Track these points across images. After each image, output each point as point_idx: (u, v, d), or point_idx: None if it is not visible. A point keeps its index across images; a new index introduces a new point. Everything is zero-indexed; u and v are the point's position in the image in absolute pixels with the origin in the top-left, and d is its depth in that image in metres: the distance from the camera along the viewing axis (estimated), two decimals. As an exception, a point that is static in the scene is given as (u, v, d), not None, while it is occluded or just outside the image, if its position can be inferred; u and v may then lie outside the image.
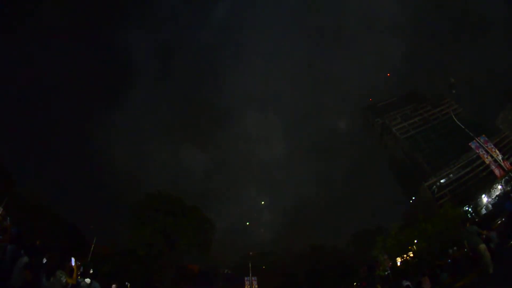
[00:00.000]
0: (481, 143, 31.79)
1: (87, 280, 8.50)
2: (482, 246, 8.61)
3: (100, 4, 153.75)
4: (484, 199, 41.24)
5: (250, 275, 40.97)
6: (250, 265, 42.88)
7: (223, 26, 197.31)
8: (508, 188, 34.37)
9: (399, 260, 36.48)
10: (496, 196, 38.12)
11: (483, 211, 38.69)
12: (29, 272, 4.45)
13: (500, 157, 32.55)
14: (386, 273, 35.80)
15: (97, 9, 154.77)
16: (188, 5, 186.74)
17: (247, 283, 40.32)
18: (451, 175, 63.34)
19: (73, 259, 6.90)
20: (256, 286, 40.93)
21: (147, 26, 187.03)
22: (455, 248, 18.96)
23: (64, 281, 5.43)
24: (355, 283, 41.75)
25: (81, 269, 9.19)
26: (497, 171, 34.23)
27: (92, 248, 30.28)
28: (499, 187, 38.21)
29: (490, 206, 37.89)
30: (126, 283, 25.63)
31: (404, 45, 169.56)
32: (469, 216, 36.52)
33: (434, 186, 62.10)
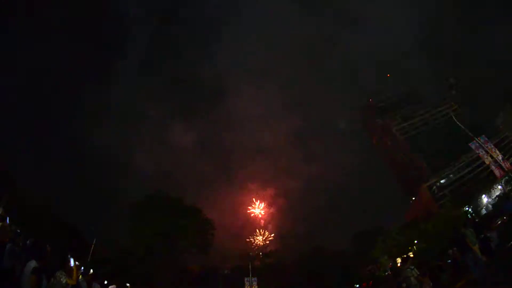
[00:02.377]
0: (481, 144, 31.83)
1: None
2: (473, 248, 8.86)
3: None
4: (484, 199, 41.19)
5: (250, 275, 40.89)
6: (250, 265, 42.81)
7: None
8: (508, 189, 34.35)
9: (399, 260, 36.46)
10: (496, 196, 38.09)
11: (483, 211, 38.65)
12: (35, 277, 4.48)
13: (500, 157, 32.60)
14: (386, 273, 35.80)
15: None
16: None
17: (247, 283, 40.19)
18: (451, 175, 63.39)
19: (72, 260, 6.90)
20: (256, 286, 40.84)
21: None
22: (455, 248, 18.94)
23: (64, 282, 5.41)
24: (356, 284, 41.64)
25: (82, 270, 9.18)
26: (497, 172, 34.28)
27: (92, 249, 30.23)
28: (499, 187, 38.18)
29: (490, 206, 37.85)
30: (126, 284, 25.59)
31: (408, 39, 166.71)
32: (469, 217, 36.52)
33: (434, 187, 62.17)
